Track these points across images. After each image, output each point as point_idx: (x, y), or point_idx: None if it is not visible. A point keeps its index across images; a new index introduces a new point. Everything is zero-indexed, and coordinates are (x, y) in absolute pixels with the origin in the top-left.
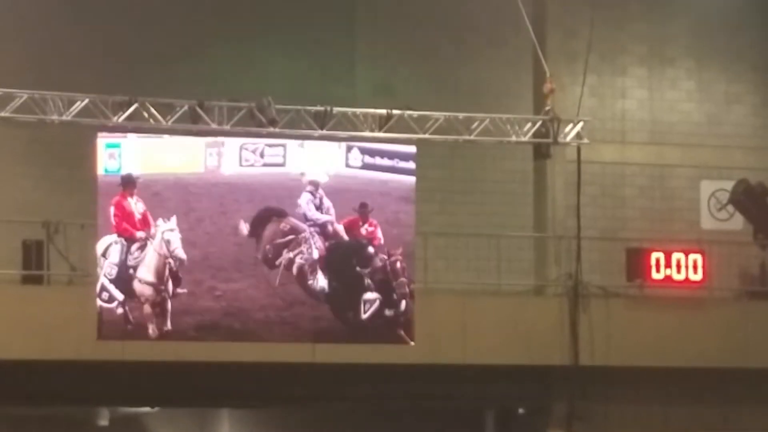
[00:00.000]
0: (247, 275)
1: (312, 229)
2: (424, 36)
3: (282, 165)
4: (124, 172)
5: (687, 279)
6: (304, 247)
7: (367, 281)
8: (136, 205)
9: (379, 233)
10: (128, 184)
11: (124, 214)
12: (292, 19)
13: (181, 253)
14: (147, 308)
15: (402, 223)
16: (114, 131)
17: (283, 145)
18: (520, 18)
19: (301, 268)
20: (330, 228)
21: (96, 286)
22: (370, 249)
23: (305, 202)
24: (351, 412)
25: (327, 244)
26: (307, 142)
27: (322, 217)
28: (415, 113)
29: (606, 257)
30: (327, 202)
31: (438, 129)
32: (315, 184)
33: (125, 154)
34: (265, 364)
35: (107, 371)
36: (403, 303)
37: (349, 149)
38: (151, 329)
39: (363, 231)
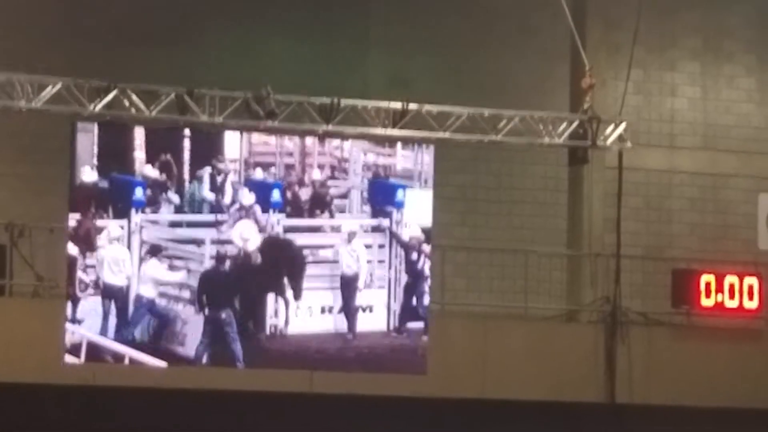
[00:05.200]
0: None
1: None
2: (446, 21)
3: None
4: None
5: (741, 306)
6: None
7: None
8: None
9: None
10: None
11: None
12: None
13: None
14: None
15: None
16: (90, 120)
17: None
18: (556, 2)
19: None
20: None
21: (64, 299)
22: None
23: None
24: None
25: None
26: None
27: None
28: (435, 108)
29: (649, 279)
30: None
31: (460, 127)
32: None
33: None
34: (255, 393)
35: (75, 397)
36: None
37: None
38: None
39: None
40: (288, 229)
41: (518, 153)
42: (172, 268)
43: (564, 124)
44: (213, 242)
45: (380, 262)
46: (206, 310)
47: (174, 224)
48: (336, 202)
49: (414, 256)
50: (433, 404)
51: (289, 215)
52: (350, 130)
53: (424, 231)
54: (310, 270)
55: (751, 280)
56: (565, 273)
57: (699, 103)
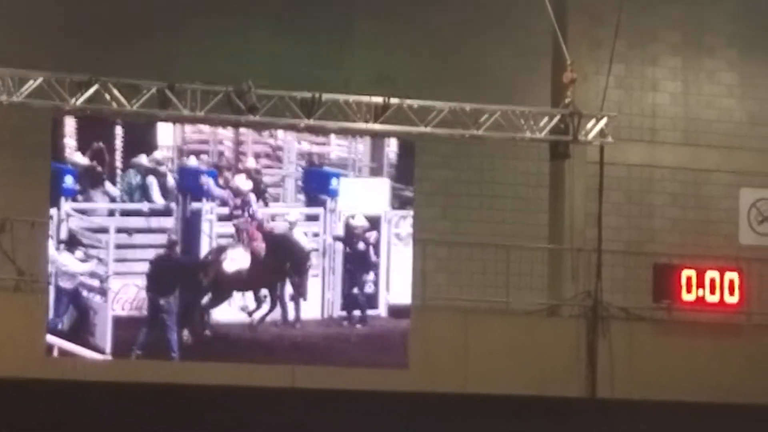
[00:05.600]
0: None
1: None
2: (428, 15)
3: None
4: None
5: (722, 301)
6: None
7: None
8: None
9: None
10: None
11: None
12: None
13: None
14: None
15: None
16: (72, 115)
17: None
18: None
19: None
20: None
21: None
22: None
23: None
24: None
25: None
26: None
27: None
28: (416, 103)
29: (630, 274)
30: None
31: (441, 122)
32: None
33: None
34: (237, 388)
35: (57, 392)
36: None
37: None
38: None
39: None
40: (222, 218)
41: (499, 148)
42: (88, 258)
43: (545, 119)
44: (158, 231)
45: (315, 250)
46: (149, 296)
47: (109, 213)
48: (270, 190)
49: (361, 245)
50: (415, 399)
51: (222, 204)
52: (331, 125)
53: (369, 219)
54: None
55: (732, 275)
56: (546, 267)
57: (680, 98)
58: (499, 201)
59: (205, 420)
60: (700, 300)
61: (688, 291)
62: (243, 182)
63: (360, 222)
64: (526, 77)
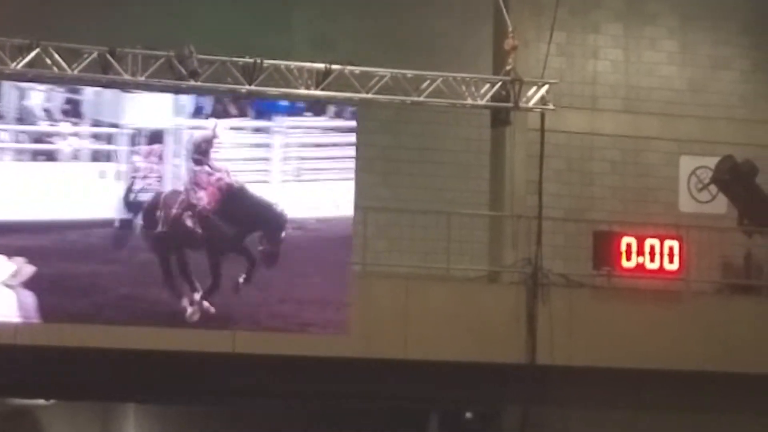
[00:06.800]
0: None
1: None
2: None
3: None
4: None
5: (661, 268)
6: None
7: None
8: None
9: None
10: None
11: None
12: None
13: None
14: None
15: None
16: (12, 79)
17: None
18: None
19: None
20: None
21: None
22: None
23: None
24: (274, 410)
25: None
26: None
27: None
28: (357, 69)
29: (570, 241)
30: None
31: (382, 88)
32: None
33: None
34: (177, 353)
35: None
36: None
37: None
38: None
39: None
40: None
41: (441, 114)
42: None
43: (486, 86)
44: None
45: None
46: None
47: None
48: None
49: None
50: (355, 364)
51: None
52: (273, 91)
53: None
54: None
55: (672, 243)
56: (486, 234)
57: (621, 66)
58: (439, 167)
59: None
60: (640, 267)
61: (628, 258)
62: None
63: None
64: (467, 44)
